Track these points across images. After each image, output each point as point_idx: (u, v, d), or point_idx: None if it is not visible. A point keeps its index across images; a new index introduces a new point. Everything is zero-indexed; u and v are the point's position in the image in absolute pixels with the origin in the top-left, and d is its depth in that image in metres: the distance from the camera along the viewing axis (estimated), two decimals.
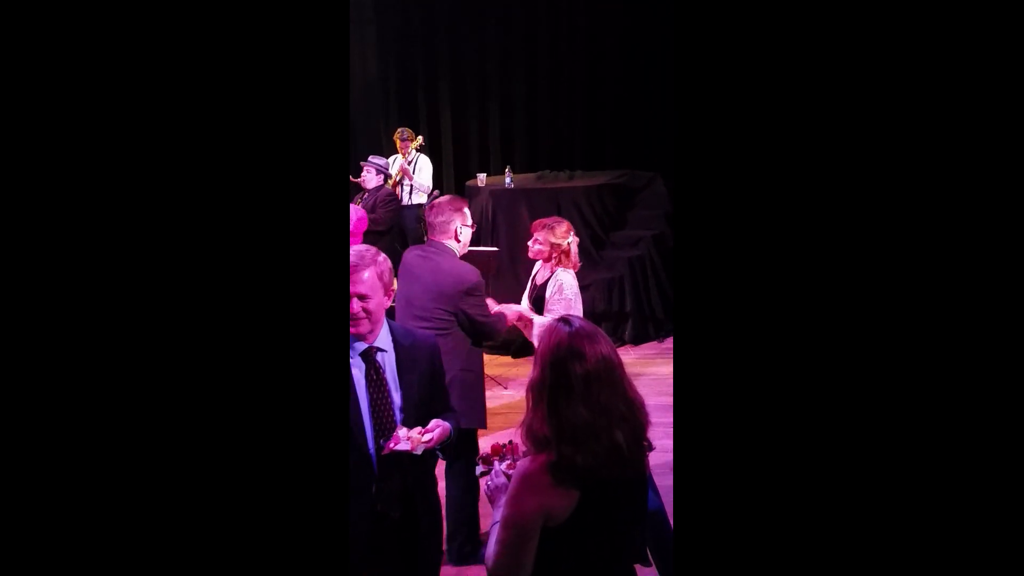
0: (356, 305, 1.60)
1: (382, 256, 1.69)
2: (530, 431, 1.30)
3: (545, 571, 1.29)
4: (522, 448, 1.38)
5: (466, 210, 2.52)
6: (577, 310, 2.61)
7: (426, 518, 1.75)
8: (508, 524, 1.28)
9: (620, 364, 1.31)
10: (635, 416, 1.30)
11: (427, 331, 2.00)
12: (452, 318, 2.34)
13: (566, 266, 2.67)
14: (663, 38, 5.73)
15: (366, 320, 1.62)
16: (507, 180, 5.08)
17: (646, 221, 4.99)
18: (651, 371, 4.23)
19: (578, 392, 1.26)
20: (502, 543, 1.29)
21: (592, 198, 4.97)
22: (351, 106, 6.04)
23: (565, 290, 2.61)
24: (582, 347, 1.27)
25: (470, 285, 2.41)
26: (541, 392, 1.29)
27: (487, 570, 1.34)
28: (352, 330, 1.61)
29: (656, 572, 2.12)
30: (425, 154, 5.32)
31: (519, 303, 2.81)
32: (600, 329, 1.36)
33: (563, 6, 6.10)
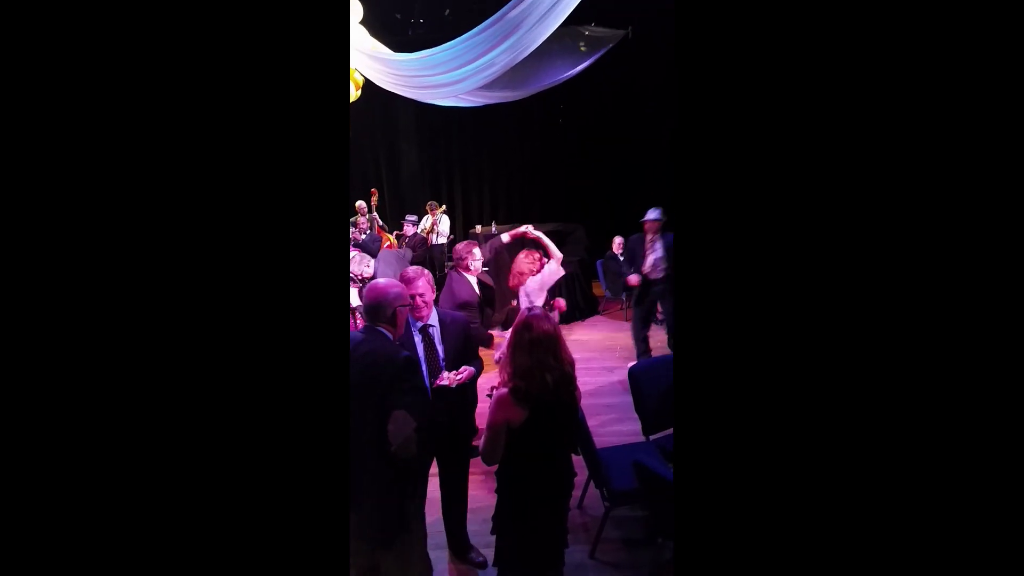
0: (418, 300, 2.26)
1: (426, 271, 2.37)
2: (502, 368, 1.84)
3: (513, 455, 1.82)
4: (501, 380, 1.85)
5: (475, 250, 3.21)
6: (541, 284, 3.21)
7: (462, 423, 2.45)
8: (488, 427, 1.78)
9: (558, 336, 1.80)
10: (562, 368, 1.79)
11: (462, 314, 2.58)
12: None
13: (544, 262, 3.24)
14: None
15: (424, 308, 2.28)
16: (493, 228, 7.27)
17: (574, 252, 7.02)
18: (574, 337, 5.97)
19: (525, 348, 1.78)
20: (485, 438, 1.79)
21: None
22: (401, 188, 9.01)
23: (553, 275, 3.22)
24: (532, 323, 1.80)
25: (460, 301, 3.07)
26: (508, 346, 1.83)
27: (480, 454, 1.86)
28: (415, 315, 2.30)
29: (583, 460, 2.58)
30: (446, 214, 7.45)
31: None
32: (549, 315, 1.87)
33: (523, 137, 9.13)
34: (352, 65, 4.29)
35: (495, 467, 1.91)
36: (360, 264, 3.66)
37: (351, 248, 4.58)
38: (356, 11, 4.39)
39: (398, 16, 7.27)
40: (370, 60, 4.09)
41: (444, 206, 7.67)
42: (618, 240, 6.88)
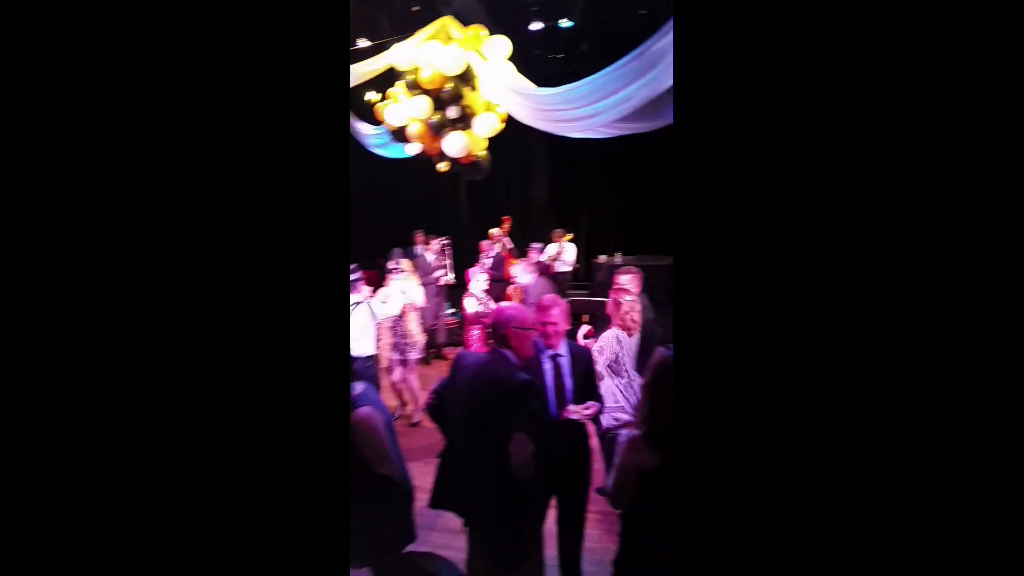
0: (548, 328, 2.32)
1: (563, 300, 2.41)
2: (638, 409, 1.84)
3: (642, 500, 1.81)
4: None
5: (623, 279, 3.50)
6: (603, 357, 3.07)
7: (582, 459, 2.48)
8: (618, 468, 1.81)
9: None
10: None
11: (588, 347, 2.72)
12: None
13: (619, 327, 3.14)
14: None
15: (554, 336, 2.34)
16: (617, 259, 7.38)
17: None
18: None
19: (662, 390, 1.74)
20: (615, 480, 1.81)
21: (660, 272, 7.13)
22: (529, 216, 9.47)
23: (602, 341, 3.11)
24: (671, 364, 1.75)
25: None
26: (644, 387, 1.83)
27: (608, 497, 1.85)
28: (545, 342, 2.36)
29: None
30: (572, 243, 7.69)
31: None
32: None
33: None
34: (496, 101, 4.56)
35: (617, 509, 1.93)
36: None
37: (481, 270, 5.03)
38: (505, 49, 4.67)
39: (538, 52, 7.59)
40: (512, 95, 4.28)
41: (571, 234, 7.90)
42: None
